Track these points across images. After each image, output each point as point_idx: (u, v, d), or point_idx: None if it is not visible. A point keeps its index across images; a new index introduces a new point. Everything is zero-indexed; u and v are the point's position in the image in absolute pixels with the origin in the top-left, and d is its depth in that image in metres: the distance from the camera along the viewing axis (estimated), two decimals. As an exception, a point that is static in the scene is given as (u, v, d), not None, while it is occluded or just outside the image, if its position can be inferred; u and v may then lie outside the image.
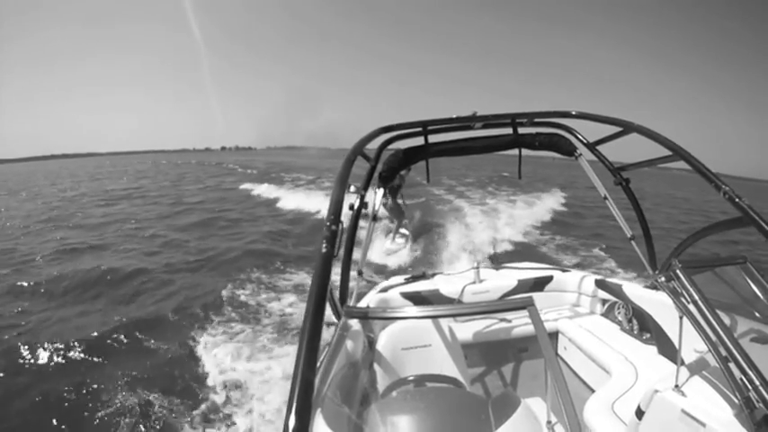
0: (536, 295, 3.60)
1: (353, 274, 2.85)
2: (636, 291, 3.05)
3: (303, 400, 0.87)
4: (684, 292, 1.65)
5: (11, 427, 4.28)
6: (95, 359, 5.49)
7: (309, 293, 1.17)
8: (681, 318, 1.69)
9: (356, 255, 2.84)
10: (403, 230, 10.94)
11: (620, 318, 3.23)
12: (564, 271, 3.88)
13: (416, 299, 3.46)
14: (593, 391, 2.68)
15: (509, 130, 3.06)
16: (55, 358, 5.46)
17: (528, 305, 1.64)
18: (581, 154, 2.97)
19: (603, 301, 3.48)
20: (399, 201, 10.95)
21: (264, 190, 22.86)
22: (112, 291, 7.96)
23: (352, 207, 2.57)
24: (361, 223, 2.76)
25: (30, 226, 14.74)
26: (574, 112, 2.93)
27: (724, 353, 1.47)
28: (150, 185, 29.50)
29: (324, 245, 1.36)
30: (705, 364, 1.80)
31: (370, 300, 3.36)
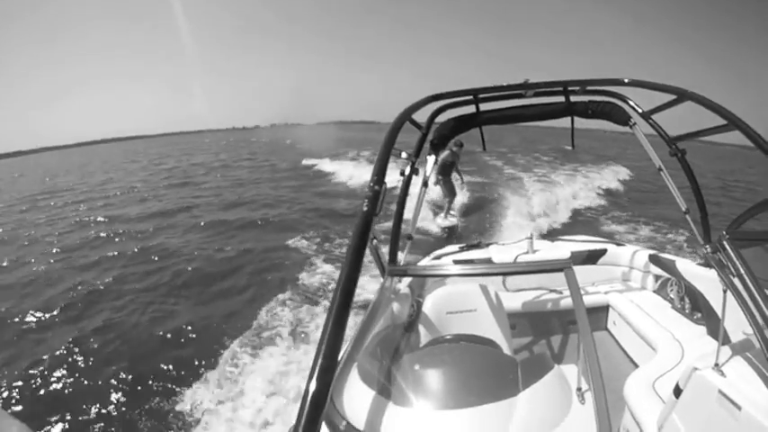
0: (588, 268, 3.60)
1: (404, 239, 2.86)
2: (689, 267, 2.94)
3: (327, 364, 0.87)
4: (730, 265, 1.55)
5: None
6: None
7: (347, 251, 1.17)
8: (725, 291, 1.62)
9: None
10: (453, 211, 10.61)
11: (672, 295, 3.15)
12: (618, 245, 3.85)
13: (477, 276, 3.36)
14: (637, 366, 2.76)
15: (561, 99, 2.93)
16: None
17: (565, 267, 1.69)
18: (635, 123, 2.80)
19: (657, 277, 3.42)
20: (455, 179, 10.46)
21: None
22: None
23: (403, 173, 2.53)
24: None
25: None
26: (627, 80, 2.76)
27: (765, 329, 1.35)
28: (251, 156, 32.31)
29: (365, 203, 1.37)
30: (750, 345, 1.65)
31: (422, 263, 3.45)
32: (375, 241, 1.96)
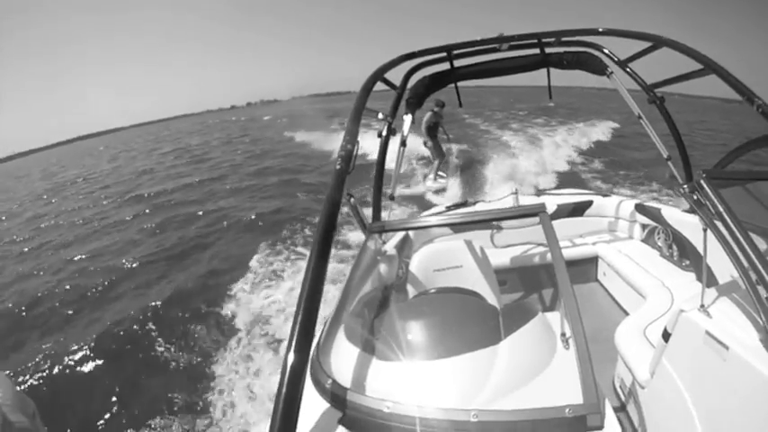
0: (575, 220, 3.67)
1: (386, 200, 2.92)
2: (675, 214, 3.01)
3: (304, 335, 0.87)
4: (708, 204, 1.52)
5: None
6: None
7: (323, 205, 1.20)
8: (705, 230, 1.61)
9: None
10: (442, 173, 10.79)
11: (659, 243, 3.21)
12: (604, 196, 3.85)
13: (455, 225, 3.43)
14: (628, 315, 2.69)
15: (536, 51, 2.96)
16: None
17: (540, 211, 1.63)
18: (612, 72, 2.81)
19: (643, 226, 3.46)
20: (441, 140, 10.70)
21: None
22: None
23: (380, 135, 2.66)
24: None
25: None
26: (601, 29, 2.77)
27: (750, 270, 1.36)
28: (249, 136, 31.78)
29: (338, 162, 1.40)
30: (736, 286, 1.67)
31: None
32: (353, 200, 1.90)
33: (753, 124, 2.05)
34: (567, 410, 1.10)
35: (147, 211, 11.66)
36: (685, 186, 1.66)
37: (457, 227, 3.42)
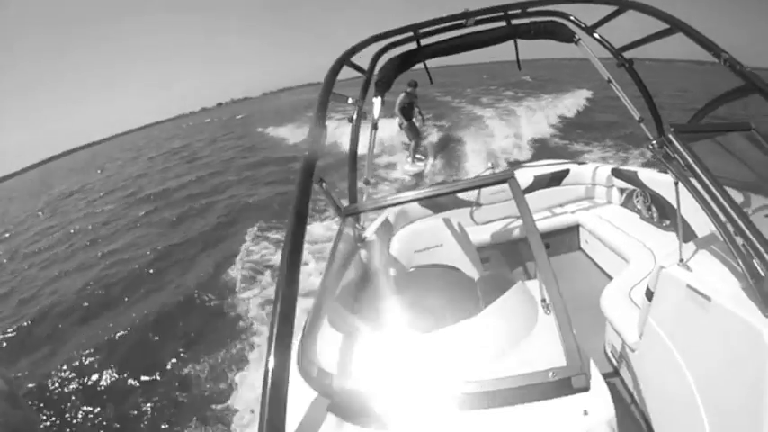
0: (554, 190, 3.69)
1: (361, 184, 2.87)
2: (651, 175, 3.04)
3: (282, 334, 0.84)
4: (678, 157, 1.53)
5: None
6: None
7: (293, 199, 1.19)
8: (676, 184, 1.63)
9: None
10: (419, 156, 10.78)
11: (638, 206, 3.22)
12: (580, 164, 3.88)
13: (434, 206, 3.53)
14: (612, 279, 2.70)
15: (503, 23, 2.97)
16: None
17: (508, 177, 1.63)
18: (580, 39, 2.82)
19: (621, 191, 3.48)
20: (416, 121, 10.58)
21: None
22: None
23: (350, 120, 2.67)
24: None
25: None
26: None
27: (724, 219, 1.36)
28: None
29: (307, 148, 1.41)
30: (714, 239, 1.66)
31: (389, 211, 3.30)
32: (325, 185, 1.85)
33: (726, 83, 2.06)
34: (550, 374, 1.11)
35: (157, 207, 12.60)
36: (654, 142, 1.70)
37: (436, 207, 3.50)
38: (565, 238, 3.58)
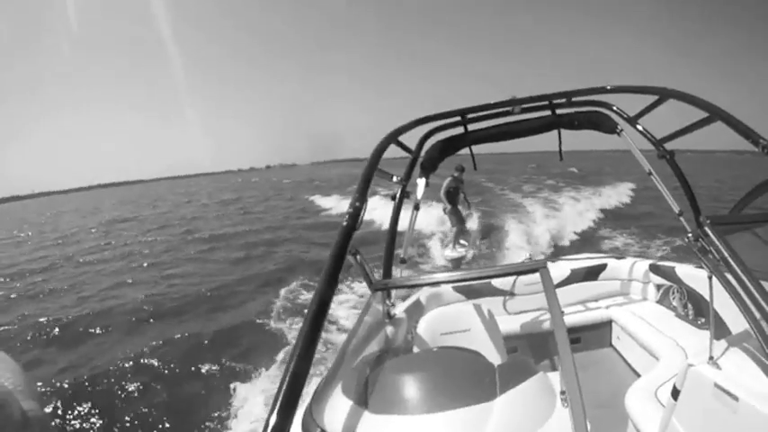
0: (590, 284, 3.60)
1: (398, 262, 2.86)
2: (689, 271, 2.94)
3: (289, 395, 0.84)
4: (713, 250, 1.46)
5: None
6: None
7: (327, 262, 1.21)
8: (710, 278, 1.54)
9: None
10: (463, 241, 10.45)
11: (674, 303, 3.10)
12: (619, 258, 3.79)
13: (468, 291, 3.48)
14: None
15: (548, 113, 2.97)
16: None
17: (540, 267, 1.62)
18: (622, 129, 2.81)
19: (658, 287, 3.37)
20: (461, 206, 10.44)
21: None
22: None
23: (394, 197, 2.70)
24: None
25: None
26: (609, 87, 2.75)
27: (758, 316, 1.28)
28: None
29: (346, 218, 1.42)
30: (747, 336, 1.60)
31: (422, 292, 3.32)
32: (359, 256, 1.84)
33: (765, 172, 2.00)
34: None
35: (215, 247, 13.66)
36: (690, 234, 1.61)
37: (470, 293, 3.46)
38: (596, 334, 3.44)
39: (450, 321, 2.39)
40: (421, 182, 2.97)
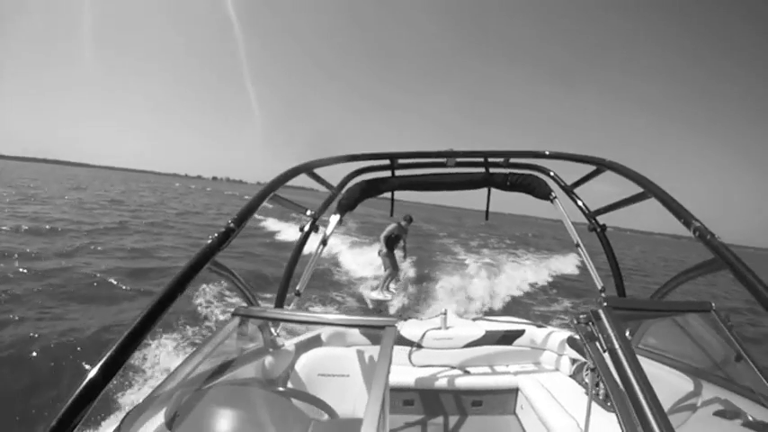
0: (503, 348, 3.52)
1: (291, 295, 2.82)
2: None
3: (79, 400, 0.88)
4: (601, 336, 1.28)
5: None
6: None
7: (177, 275, 1.20)
8: (593, 370, 1.32)
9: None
10: (393, 286, 10.51)
11: (586, 380, 3.01)
12: (539, 326, 3.69)
13: (375, 337, 3.34)
14: None
15: (482, 170, 2.94)
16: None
17: (387, 325, 1.55)
18: (556, 197, 2.80)
19: (573, 361, 3.28)
20: (398, 251, 10.48)
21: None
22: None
23: (302, 229, 2.69)
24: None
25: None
26: (548, 152, 2.71)
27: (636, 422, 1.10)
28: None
29: (212, 236, 1.40)
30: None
31: (324, 329, 3.26)
32: (239, 280, 1.84)
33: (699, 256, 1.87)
34: None
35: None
36: (582, 315, 1.42)
37: (376, 339, 3.30)
38: (501, 399, 3.28)
39: (331, 364, 2.30)
40: (334, 218, 2.91)
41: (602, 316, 1.33)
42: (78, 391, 0.93)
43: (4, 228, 13.01)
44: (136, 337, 1.06)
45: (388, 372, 1.35)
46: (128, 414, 1.35)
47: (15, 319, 6.17)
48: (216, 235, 1.45)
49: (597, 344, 1.31)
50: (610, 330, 1.27)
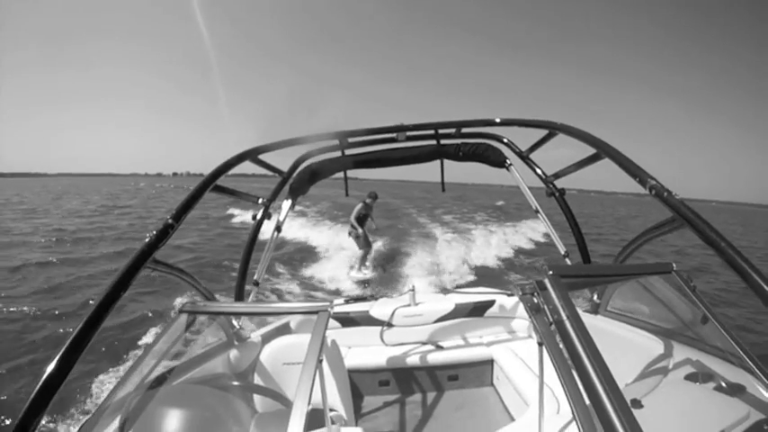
0: (474, 320, 3.49)
1: (250, 285, 2.80)
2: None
3: (39, 398, 0.91)
4: (547, 308, 1.22)
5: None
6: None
7: (117, 274, 1.19)
8: (540, 345, 1.28)
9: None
10: (368, 263, 10.71)
11: (560, 346, 3.11)
12: (510, 295, 3.53)
13: (345, 320, 3.40)
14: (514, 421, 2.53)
15: (433, 142, 2.91)
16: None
17: (320, 310, 1.53)
18: (511, 164, 2.78)
19: None
20: (370, 227, 10.92)
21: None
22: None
23: (254, 217, 2.65)
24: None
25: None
26: (498, 120, 2.67)
27: (581, 396, 1.03)
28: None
29: (151, 234, 1.37)
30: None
31: (293, 317, 3.20)
32: (189, 277, 1.80)
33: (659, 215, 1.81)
34: None
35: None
36: (527, 286, 1.34)
37: (347, 322, 3.38)
38: (477, 371, 3.28)
39: (296, 351, 2.25)
40: (286, 204, 2.89)
41: (548, 285, 1.23)
42: (37, 388, 0.98)
43: None
44: (79, 343, 1.09)
45: (320, 359, 1.36)
46: (82, 426, 1.34)
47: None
48: (154, 232, 1.40)
49: (543, 316, 1.24)
50: (556, 301, 1.19)
